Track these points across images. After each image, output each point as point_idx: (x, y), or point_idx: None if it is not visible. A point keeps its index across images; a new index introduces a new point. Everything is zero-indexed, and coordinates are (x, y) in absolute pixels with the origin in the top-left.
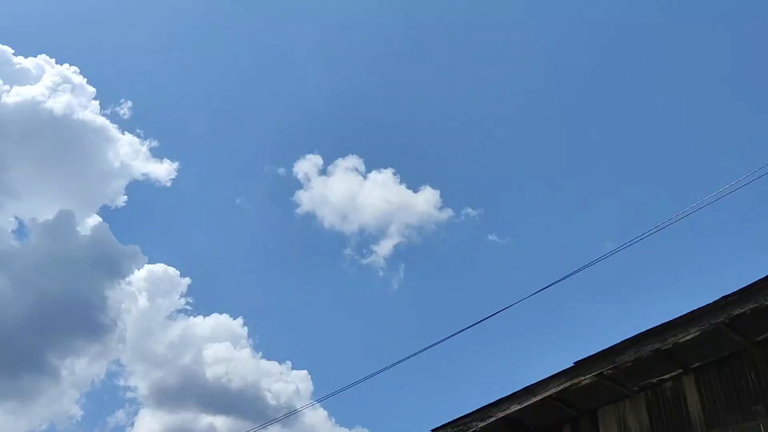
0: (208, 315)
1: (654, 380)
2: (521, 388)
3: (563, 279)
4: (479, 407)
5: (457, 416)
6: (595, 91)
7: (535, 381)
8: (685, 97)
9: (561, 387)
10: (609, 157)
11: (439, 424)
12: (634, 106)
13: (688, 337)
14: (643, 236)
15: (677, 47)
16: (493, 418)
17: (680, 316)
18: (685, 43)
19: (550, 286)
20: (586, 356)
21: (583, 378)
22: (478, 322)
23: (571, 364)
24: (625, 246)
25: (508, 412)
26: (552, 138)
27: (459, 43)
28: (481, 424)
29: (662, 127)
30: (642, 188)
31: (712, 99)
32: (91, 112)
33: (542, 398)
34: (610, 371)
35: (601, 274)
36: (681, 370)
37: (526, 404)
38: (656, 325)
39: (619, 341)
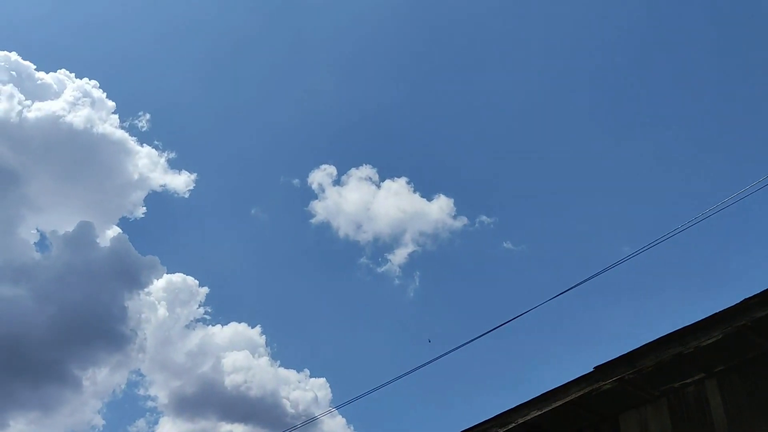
0: (227, 324)
1: (676, 385)
2: (541, 393)
3: (582, 283)
4: (499, 413)
5: (477, 422)
6: (608, 95)
7: (555, 386)
8: (701, 97)
9: (581, 392)
10: (624, 161)
11: (459, 431)
12: (649, 108)
13: (710, 341)
14: (662, 239)
15: (704, 45)
16: (513, 424)
17: (702, 320)
18: (713, 42)
19: (568, 290)
20: (606, 361)
21: (603, 383)
22: (498, 327)
23: (591, 369)
24: (643, 249)
25: (528, 417)
26: (565, 143)
27: (471, 50)
28: (501, 431)
29: (678, 129)
30: (659, 191)
31: (731, 100)
32: (110, 126)
33: (562, 404)
34: (631, 376)
35: (619, 279)
36: (703, 374)
37: (546, 410)
38: (677, 328)
39: (640, 345)
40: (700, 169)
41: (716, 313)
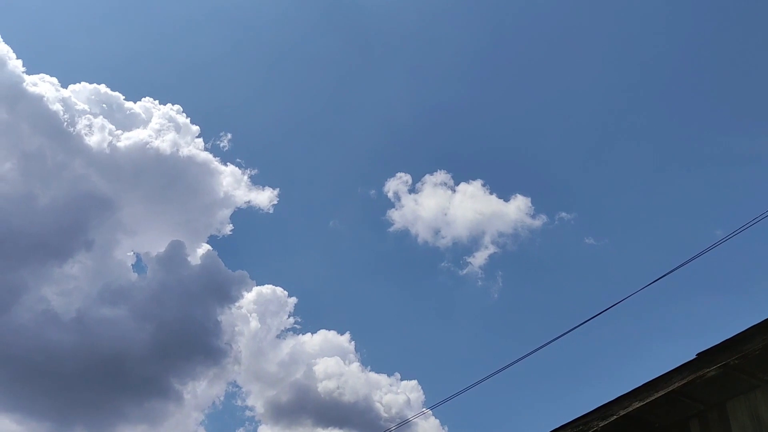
0: (316, 332)
1: None
2: (642, 383)
3: (677, 269)
4: (599, 405)
5: (576, 416)
6: (687, 81)
7: (656, 376)
8: None
9: (685, 381)
10: (708, 141)
11: (558, 425)
12: (732, 89)
13: None
14: (757, 219)
15: None
16: (615, 416)
17: None
18: None
19: (663, 276)
20: (709, 347)
21: (708, 370)
22: (593, 318)
23: (694, 356)
24: (737, 231)
25: (629, 409)
26: (644, 130)
27: (543, 45)
28: (601, 423)
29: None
30: (750, 169)
31: None
32: (195, 148)
33: (665, 393)
34: (736, 361)
35: (715, 264)
36: None
37: (648, 400)
38: None
39: (745, 329)
40: None
41: None
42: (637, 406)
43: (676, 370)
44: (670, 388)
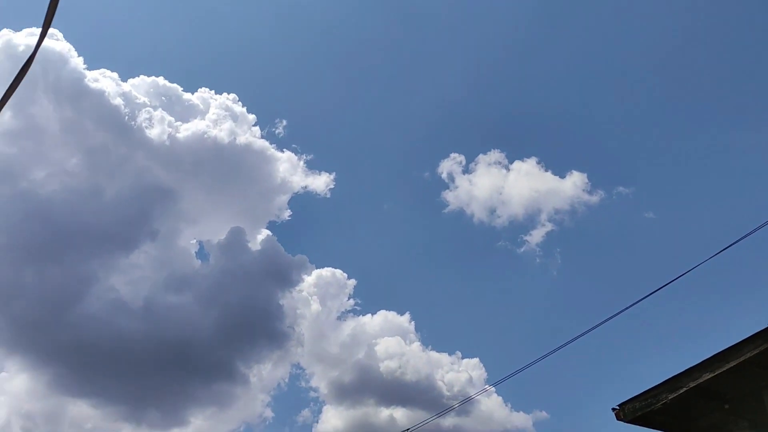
0: (376, 313)
1: None
2: (712, 354)
3: (742, 239)
4: (668, 378)
5: (645, 388)
6: (743, 47)
7: (728, 346)
8: None
9: (757, 350)
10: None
11: (626, 398)
12: None
13: None
14: None
15: None
16: (685, 388)
17: None
18: None
19: (728, 248)
20: None
21: None
22: (659, 289)
23: (767, 325)
24: None
25: (700, 381)
26: (703, 98)
27: (595, 17)
28: (671, 396)
29: None
30: None
31: None
32: (251, 136)
33: (737, 364)
34: None
35: None
36: None
37: (719, 371)
38: None
39: None
40: None
41: None
42: (708, 377)
43: (748, 339)
44: (742, 358)
